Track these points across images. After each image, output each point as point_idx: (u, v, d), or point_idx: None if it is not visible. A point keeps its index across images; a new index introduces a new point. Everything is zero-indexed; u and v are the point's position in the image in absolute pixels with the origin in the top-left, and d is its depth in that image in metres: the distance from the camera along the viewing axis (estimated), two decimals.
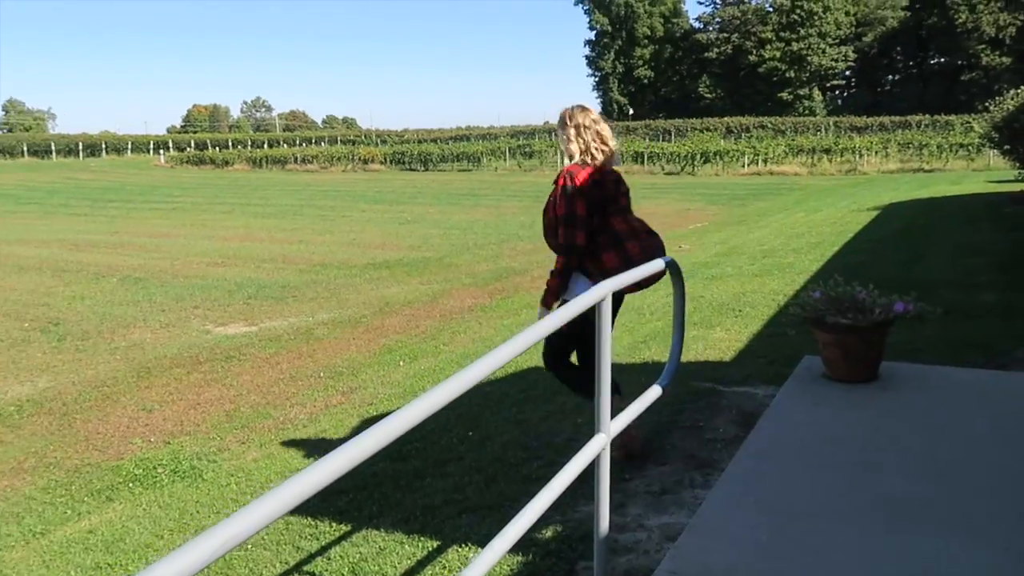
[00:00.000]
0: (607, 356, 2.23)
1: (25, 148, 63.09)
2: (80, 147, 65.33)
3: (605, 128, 3.43)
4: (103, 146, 67.87)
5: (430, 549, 3.19)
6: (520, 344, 1.75)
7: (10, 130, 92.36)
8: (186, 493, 4.38)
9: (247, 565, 3.34)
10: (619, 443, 3.17)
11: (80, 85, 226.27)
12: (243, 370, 6.82)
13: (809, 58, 61.41)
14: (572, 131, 3.39)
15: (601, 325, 2.20)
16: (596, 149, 3.37)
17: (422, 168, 44.87)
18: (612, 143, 3.42)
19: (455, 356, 7.03)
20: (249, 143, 71.55)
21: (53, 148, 64.01)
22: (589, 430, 4.41)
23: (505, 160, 44.62)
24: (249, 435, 5.33)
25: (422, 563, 3.10)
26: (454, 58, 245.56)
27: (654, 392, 2.73)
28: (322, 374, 6.67)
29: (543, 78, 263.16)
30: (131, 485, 4.56)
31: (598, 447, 2.19)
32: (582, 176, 3.33)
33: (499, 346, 1.70)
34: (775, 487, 2.54)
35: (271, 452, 4.95)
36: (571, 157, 3.40)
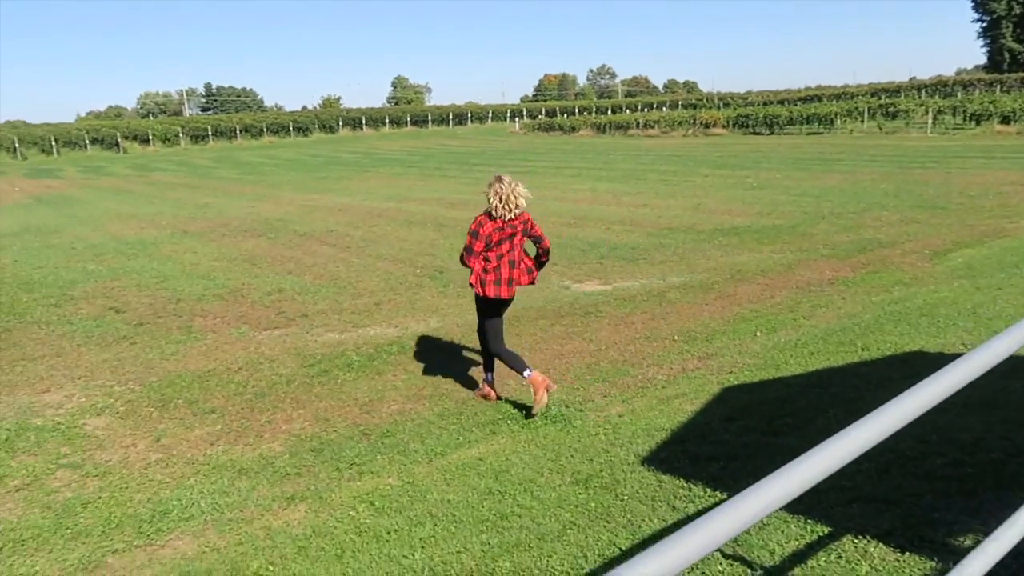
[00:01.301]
0: None
1: (408, 118, 72.67)
2: (450, 117, 73.47)
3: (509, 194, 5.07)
4: (468, 115, 75.48)
5: (819, 535, 2.98)
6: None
7: (396, 103, 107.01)
8: (559, 437, 4.66)
9: (625, 515, 3.44)
10: None
11: (451, 61, 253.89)
12: (601, 326, 7.09)
13: None
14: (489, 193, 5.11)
15: None
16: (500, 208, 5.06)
17: (767, 132, 42.59)
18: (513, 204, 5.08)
19: (818, 332, 6.55)
20: (594, 109, 74.22)
21: (429, 118, 72.81)
22: (1004, 429, 3.79)
23: (863, 121, 40.41)
24: (610, 389, 5.52)
25: (811, 547, 2.91)
26: (801, 12, 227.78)
27: None
28: (676, 337, 6.66)
29: (911, 27, 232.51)
30: (509, 422, 4.99)
31: None
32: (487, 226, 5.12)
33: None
34: None
35: (634, 408, 5.07)
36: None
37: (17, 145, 59.65)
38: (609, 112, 70.20)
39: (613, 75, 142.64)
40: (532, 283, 5.51)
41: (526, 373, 5.11)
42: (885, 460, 3.51)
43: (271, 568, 3.41)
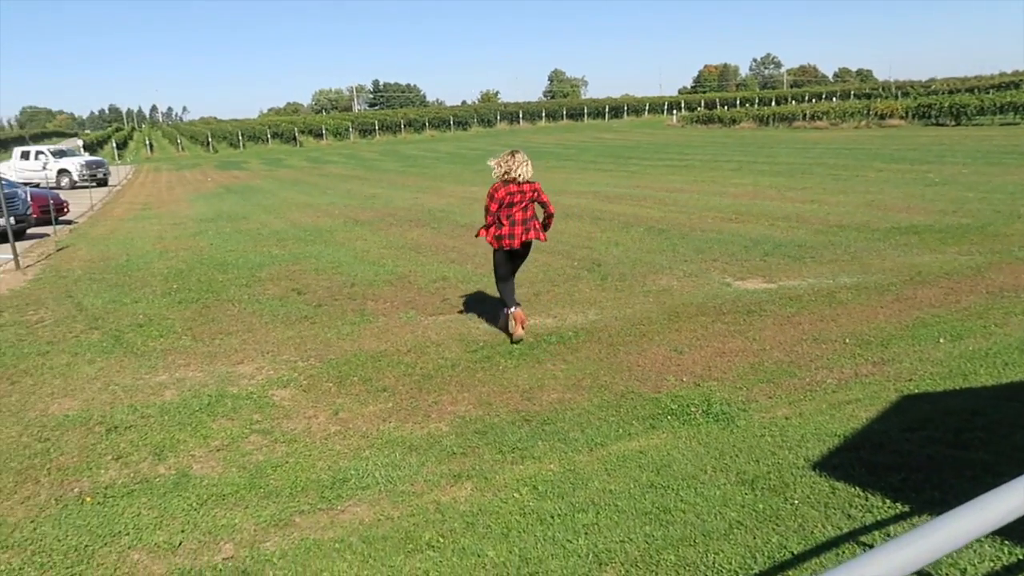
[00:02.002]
0: None
1: (564, 112, 72.99)
2: (606, 110, 73.02)
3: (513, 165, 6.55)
4: (624, 108, 74.72)
5: (1019, 558, 2.75)
6: None
7: (553, 96, 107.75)
8: (721, 435, 4.57)
9: (795, 519, 3.33)
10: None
11: (608, 54, 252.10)
12: (764, 325, 6.84)
13: None
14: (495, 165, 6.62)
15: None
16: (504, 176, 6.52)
17: (952, 122, 39.19)
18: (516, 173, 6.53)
19: (1013, 341, 5.99)
20: (756, 101, 71.27)
21: (585, 111, 72.74)
22: None
23: None
24: (775, 390, 5.33)
25: (1009, 571, 2.69)
26: None
27: None
28: (848, 340, 6.32)
29: None
30: (669, 418, 4.94)
31: None
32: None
33: None
34: None
35: (802, 411, 4.87)
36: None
37: (210, 139, 65.64)
38: (773, 103, 67.16)
39: (778, 64, 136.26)
40: (542, 240, 6.84)
41: (510, 309, 6.65)
42: None
43: (441, 540, 3.59)
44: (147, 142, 69.42)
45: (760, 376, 5.63)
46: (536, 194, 6.69)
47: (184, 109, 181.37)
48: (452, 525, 3.73)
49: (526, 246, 6.76)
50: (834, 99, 67.23)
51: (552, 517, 3.70)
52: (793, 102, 68.23)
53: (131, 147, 72.67)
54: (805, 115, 48.37)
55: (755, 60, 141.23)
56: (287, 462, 4.59)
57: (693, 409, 5.04)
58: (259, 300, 8.76)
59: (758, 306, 7.43)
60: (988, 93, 47.47)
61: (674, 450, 4.40)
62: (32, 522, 4.03)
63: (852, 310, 7.18)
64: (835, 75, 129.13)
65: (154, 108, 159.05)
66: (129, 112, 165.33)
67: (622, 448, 4.50)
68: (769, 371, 5.72)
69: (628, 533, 3.47)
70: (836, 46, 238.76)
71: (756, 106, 64.11)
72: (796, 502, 3.52)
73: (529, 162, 6.69)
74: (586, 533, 3.51)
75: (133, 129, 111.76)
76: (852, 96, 68.31)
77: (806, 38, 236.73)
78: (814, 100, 67.92)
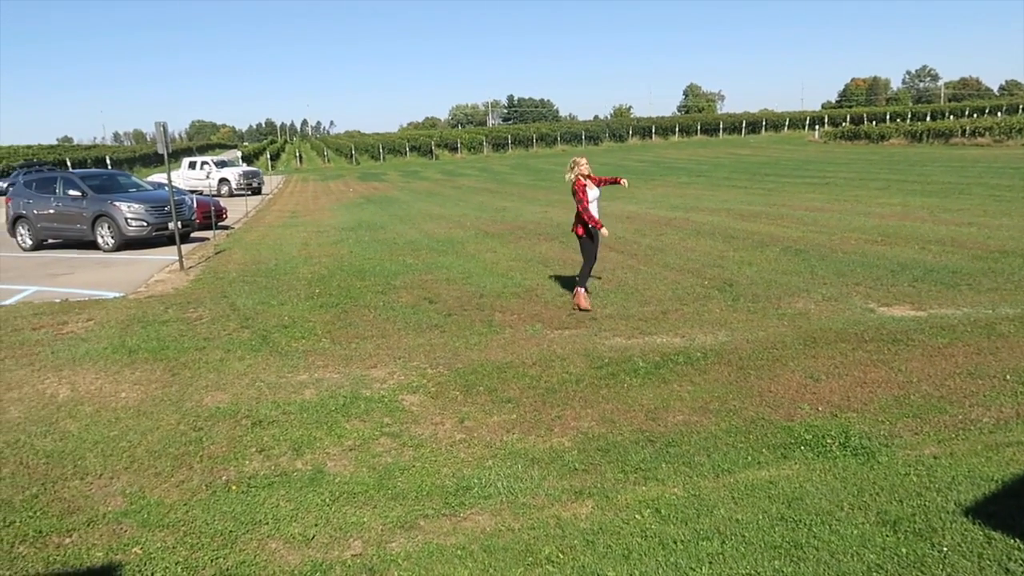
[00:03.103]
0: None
1: (698, 127, 71.51)
2: (743, 125, 70.89)
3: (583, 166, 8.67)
4: (762, 123, 72.30)
5: None
6: None
7: (688, 111, 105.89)
8: (860, 471, 4.31)
9: (944, 568, 3.09)
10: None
11: (746, 67, 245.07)
12: (912, 356, 6.40)
13: None
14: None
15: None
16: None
17: None
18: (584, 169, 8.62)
19: None
20: (908, 116, 67.05)
21: (720, 126, 70.99)
22: None
23: None
24: (922, 426, 4.97)
25: None
26: None
27: None
28: (1008, 376, 5.80)
29: None
30: (802, 448, 4.71)
31: None
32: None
33: None
34: None
35: (952, 451, 4.51)
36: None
37: (353, 152, 69.05)
38: (927, 118, 62.90)
39: (935, 77, 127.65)
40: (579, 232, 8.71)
41: (581, 289, 8.56)
42: None
43: (561, 556, 3.59)
44: (297, 154, 73.97)
45: (905, 410, 5.26)
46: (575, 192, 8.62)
47: (331, 123, 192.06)
48: (572, 542, 3.72)
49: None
50: (999, 114, 62.13)
51: (675, 542, 3.61)
52: (951, 117, 63.63)
53: (283, 158, 77.63)
54: (964, 131, 44.98)
55: (909, 73, 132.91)
56: (414, 466, 4.74)
57: (829, 441, 4.78)
58: (393, 307, 9.11)
59: (905, 335, 6.96)
60: None
61: (807, 483, 4.19)
62: (185, 505, 4.36)
63: (1015, 344, 6.59)
64: (1001, 88, 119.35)
65: (304, 122, 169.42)
66: (283, 126, 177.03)
67: (751, 477, 4.34)
68: (916, 405, 5.34)
69: (755, 566, 3.33)
70: (1003, 57, 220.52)
71: (908, 121, 60.26)
72: (945, 549, 3.26)
73: (573, 164, 8.69)
74: (710, 562, 3.40)
75: (286, 142, 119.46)
76: (1021, 110, 62.84)
77: (968, 49, 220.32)
78: (975, 115, 63.07)
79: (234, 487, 4.55)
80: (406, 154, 67.49)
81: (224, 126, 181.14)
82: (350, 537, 3.95)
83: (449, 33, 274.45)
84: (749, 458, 4.61)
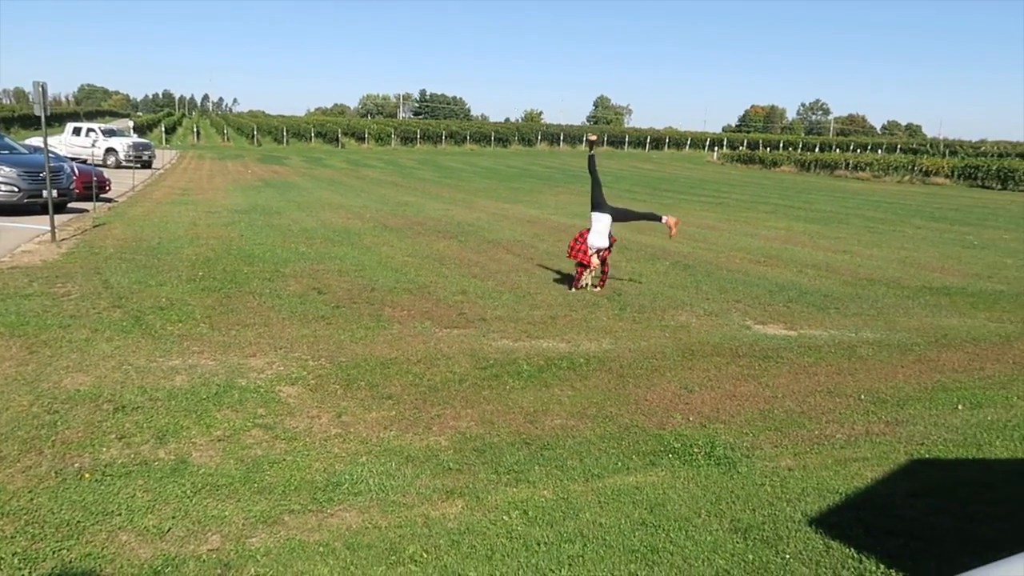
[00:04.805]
0: None
1: (605, 138, 73.07)
2: (647, 140, 72.99)
3: None
4: (666, 140, 74.65)
5: None
6: None
7: (596, 122, 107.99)
8: (721, 480, 4.51)
9: (784, 574, 3.26)
10: None
11: (655, 85, 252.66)
12: (780, 372, 6.75)
13: None
14: None
15: None
16: None
17: (998, 186, 38.60)
18: None
19: None
20: (800, 145, 70.81)
21: (627, 139, 72.77)
22: None
23: None
24: (782, 439, 5.25)
25: None
26: None
27: None
28: (863, 396, 6.21)
29: None
30: (670, 456, 4.88)
31: None
32: None
33: None
34: None
35: (806, 464, 4.79)
36: None
37: (255, 132, 66.72)
38: (817, 149, 66.65)
39: (827, 111, 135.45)
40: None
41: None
42: None
43: (425, 555, 3.58)
44: (195, 129, 70.80)
45: (769, 423, 5.55)
46: None
47: (235, 101, 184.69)
48: (438, 541, 3.71)
49: None
50: (880, 151, 66.54)
51: (539, 544, 3.67)
52: (837, 150, 67.63)
53: (179, 133, 74.12)
54: (848, 164, 47.93)
55: (803, 105, 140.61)
56: (284, 459, 4.61)
57: (696, 450, 4.98)
58: (280, 295, 8.85)
59: (775, 352, 7.34)
60: None
61: (671, 489, 4.35)
62: (30, 492, 4.08)
63: (871, 366, 7.06)
64: (883, 127, 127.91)
65: (206, 97, 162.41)
66: (182, 99, 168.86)
67: (618, 482, 4.46)
68: (778, 419, 5.63)
69: (612, 569, 3.42)
70: (887, 98, 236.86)
71: (799, 151, 63.64)
72: (787, 556, 3.45)
73: None
74: (570, 564, 3.47)
75: (183, 116, 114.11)
76: (899, 150, 67.53)
77: (858, 88, 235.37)
78: (859, 150, 67.28)
79: (87, 475, 4.30)
80: (311, 140, 65.82)
81: (117, 93, 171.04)
82: (208, 531, 3.80)
83: (363, 22, 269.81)
84: (619, 464, 4.74)
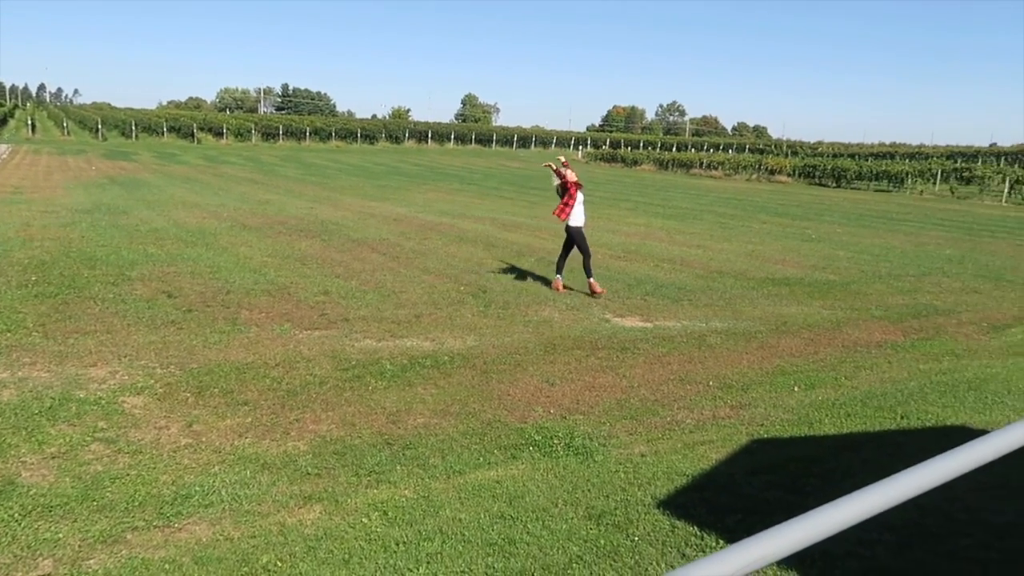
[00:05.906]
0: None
1: (474, 136, 73.52)
2: (515, 138, 74.01)
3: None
4: (533, 139, 75.95)
5: None
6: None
7: (464, 120, 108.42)
8: (578, 469, 4.65)
9: (633, 556, 3.41)
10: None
11: (522, 84, 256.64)
12: (636, 363, 7.05)
13: None
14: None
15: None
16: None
17: (833, 184, 41.97)
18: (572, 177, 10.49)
19: (859, 394, 6.40)
20: (659, 145, 74.06)
21: (494, 138, 73.50)
22: None
23: (935, 184, 39.55)
24: (637, 427, 5.48)
25: None
26: (884, 66, 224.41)
27: None
28: (711, 383, 6.59)
29: (996, 91, 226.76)
30: (531, 449, 4.99)
31: None
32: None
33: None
34: None
35: (657, 450, 5.02)
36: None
37: (100, 126, 62.20)
38: (674, 149, 69.97)
39: (683, 113, 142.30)
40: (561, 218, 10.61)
41: (591, 279, 10.05)
42: (908, 534, 3.42)
43: (279, 564, 3.47)
44: (29, 122, 65.09)
45: (625, 412, 5.77)
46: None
47: (76, 92, 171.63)
48: (293, 549, 3.61)
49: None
50: (730, 151, 70.71)
51: (397, 544, 3.65)
52: (693, 150, 71.28)
53: (11, 125, 67.93)
54: (702, 163, 50.60)
55: (662, 106, 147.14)
56: (128, 474, 4.34)
57: (556, 441, 5.11)
58: (125, 300, 8.31)
59: (632, 344, 7.64)
60: (867, 160, 51.12)
61: (530, 481, 4.44)
62: None
63: (719, 354, 7.50)
64: (734, 128, 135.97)
65: (42, 87, 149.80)
66: (13, 88, 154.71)
67: (480, 477, 4.51)
68: (634, 408, 5.88)
69: (470, 564, 3.46)
70: (737, 101, 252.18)
71: (658, 150, 66.57)
72: (637, 539, 3.61)
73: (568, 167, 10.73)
74: (428, 562, 3.48)
75: (16, 107, 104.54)
76: (747, 150, 72.03)
77: (711, 90, 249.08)
78: (712, 150, 71.20)
79: None
80: (163, 134, 62.11)
81: None
82: (39, 556, 3.52)
83: (221, 11, 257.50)
84: (481, 459, 4.79)
